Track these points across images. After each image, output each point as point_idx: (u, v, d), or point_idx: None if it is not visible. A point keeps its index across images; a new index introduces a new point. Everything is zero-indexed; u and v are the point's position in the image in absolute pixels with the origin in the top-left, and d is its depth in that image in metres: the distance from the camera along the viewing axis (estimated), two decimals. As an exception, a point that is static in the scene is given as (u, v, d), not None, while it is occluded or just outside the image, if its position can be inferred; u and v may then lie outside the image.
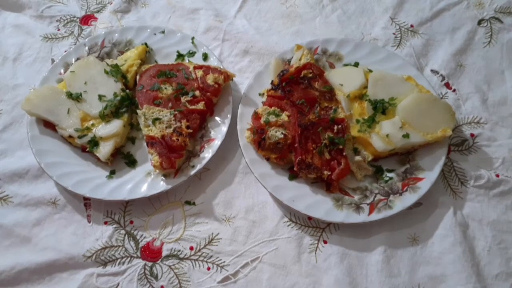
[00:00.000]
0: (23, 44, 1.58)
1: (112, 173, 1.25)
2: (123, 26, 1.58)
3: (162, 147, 1.20)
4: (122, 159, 1.28)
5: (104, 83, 1.33)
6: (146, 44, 1.46)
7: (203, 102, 1.29)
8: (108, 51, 1.47)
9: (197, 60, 1.43)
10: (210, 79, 1.31)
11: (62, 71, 1.41)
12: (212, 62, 1.41)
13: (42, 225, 1.21)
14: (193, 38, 1.45)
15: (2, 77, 1.50)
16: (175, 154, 1.20)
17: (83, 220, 1.22)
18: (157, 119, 1.25)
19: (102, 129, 1.25)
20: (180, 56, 1.44)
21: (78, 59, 1.43)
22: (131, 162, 1.28)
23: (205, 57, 1.42)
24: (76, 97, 1.29)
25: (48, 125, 1.30)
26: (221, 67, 1.37)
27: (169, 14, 1.65)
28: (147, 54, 1.45)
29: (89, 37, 1.56)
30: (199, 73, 1.34)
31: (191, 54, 1.44)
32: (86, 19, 1.65)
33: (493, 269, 1.13)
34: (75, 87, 1.31)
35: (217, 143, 1.26)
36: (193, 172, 1.21)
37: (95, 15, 1.66)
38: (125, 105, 1.30)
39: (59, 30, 1.62)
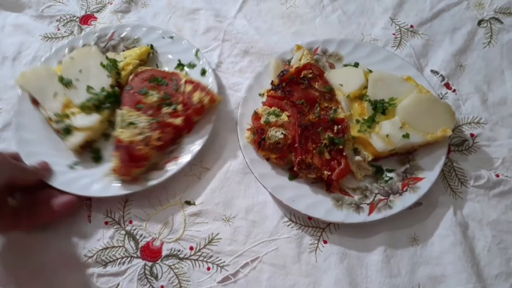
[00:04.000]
0: (23, 44, 1.57)
1: (76, 164, 1.25)
2: (135, 23, 1.57)
3: (125, 153, 1.18)
4: (90, 153, 1.28)
5: (97, 76, 1.33)
6: (151, 46, 1.45)
7: (182, 118, 1.26)
8: (115, 44, 1.48)
9: (196, 73, 1.40)
10: (196, 96, 1.27)
11: (66, 52, 1.44)
12: (207, 78, 1.37)
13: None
14: (197, 51, 1.43)
15: (1, 76, 1.50)
16: (136, 164, 1.18)
17: (84, 220, 1.21)
18: (132, 123, 1.23)
19: (80, 120, 1.25)
20: (180, 65, 1.43)
21: (84, 46, 1.45)
22: (97, 158, 1.27)
23: (203, 72, 1.40)
24: (66, 83, 1.30)
25: (36, 103, 1.32)
26: (215, 87, 1.34)
27: (169, 14, 1.65)
28: (150, 55, 1.45)
29: (101, 27, 1.56)
30: (188, 88, 1.30)
31: (191, 66, 1.42)
32: (86, 19, 1.65)
33: (493, 269, 1.12)
34: (69, 73, 1.32)
35: (182, 161, 1.22)
36: (149, 183, 1.19)
37: (95, 14, 1.66)
38: (108, 102, 1.30)
39: (59, 29, 1.62)
